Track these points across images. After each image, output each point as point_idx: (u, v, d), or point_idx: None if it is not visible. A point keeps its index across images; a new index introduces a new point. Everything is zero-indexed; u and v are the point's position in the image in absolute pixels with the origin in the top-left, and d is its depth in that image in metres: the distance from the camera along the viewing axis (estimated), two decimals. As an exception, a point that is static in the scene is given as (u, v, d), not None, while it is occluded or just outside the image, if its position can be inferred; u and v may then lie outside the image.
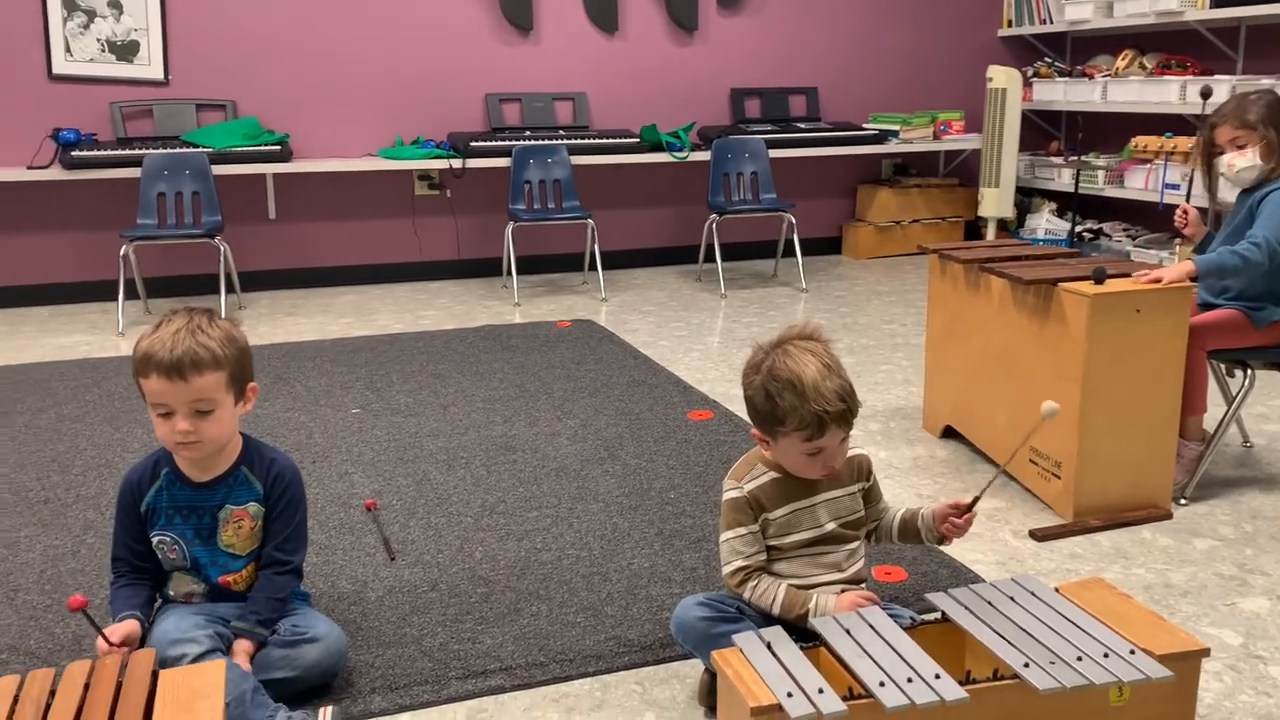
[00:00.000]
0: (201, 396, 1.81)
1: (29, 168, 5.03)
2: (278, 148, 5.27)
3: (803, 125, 6.19)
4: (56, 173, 4.97)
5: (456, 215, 5.97)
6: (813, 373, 1.74)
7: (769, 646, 1.53)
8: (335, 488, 2.86)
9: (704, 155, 5.77)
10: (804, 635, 1.62)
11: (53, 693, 1.45)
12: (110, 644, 1.75)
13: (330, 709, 1.75)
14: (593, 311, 5.12)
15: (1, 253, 5.27)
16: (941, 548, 2.38)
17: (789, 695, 1.41)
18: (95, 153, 4.99)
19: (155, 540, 1.92)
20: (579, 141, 5.71)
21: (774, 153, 5.83)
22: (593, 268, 5.52)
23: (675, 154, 5.76)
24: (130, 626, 1.80)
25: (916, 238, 6.43)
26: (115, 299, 4.86)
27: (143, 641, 1.81)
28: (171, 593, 1.95)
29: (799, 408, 1.73)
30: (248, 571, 1.95)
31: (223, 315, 1.94)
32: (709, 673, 1.81)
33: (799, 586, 1.82)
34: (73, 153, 4.94)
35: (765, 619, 1.78)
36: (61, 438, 3.31)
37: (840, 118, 6.44)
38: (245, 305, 5.27)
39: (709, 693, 1.81)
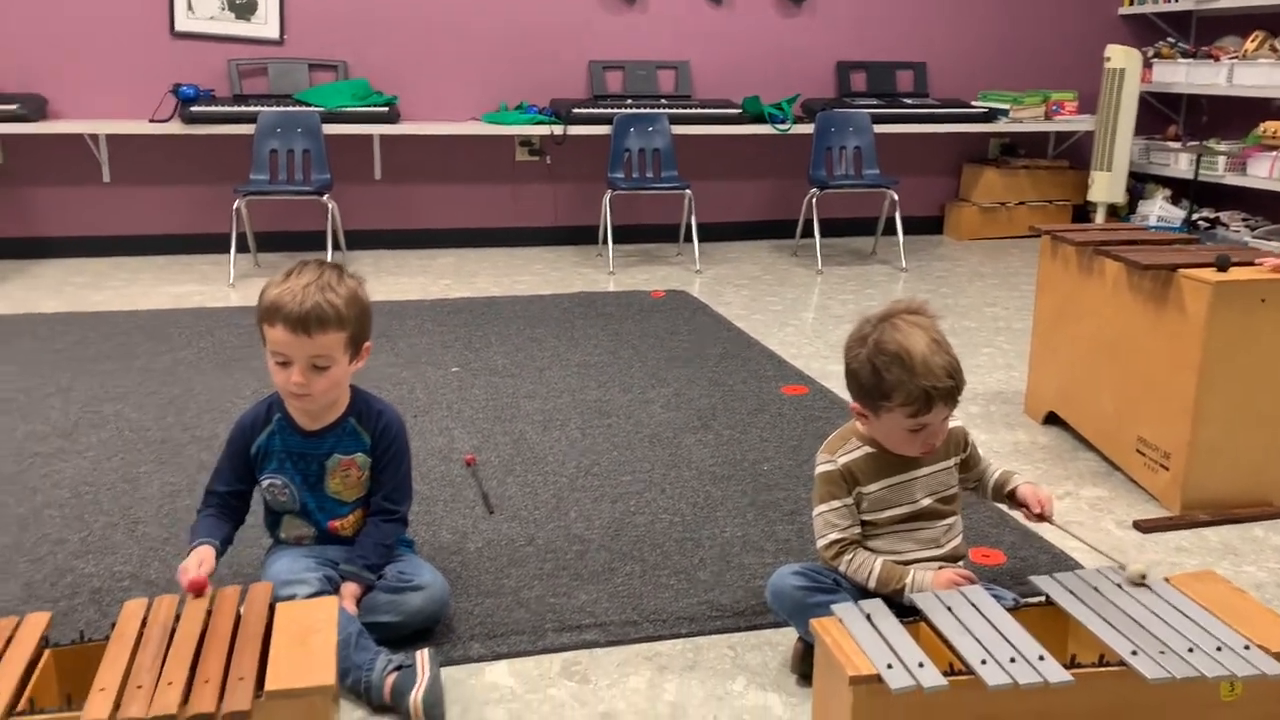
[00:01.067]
0: (321, 353, 1.86)
1: (150, 120, 5.21)
2: (386, 109, 5.36)
3: (909, 101, 6.07)
4: (176, 127, 5.14)
5: (555, 182, 6.01)
6: (922, 347, 1.72)
7: (869, 618, 1.53)
8: (436, 442, 2.93)
9: (806, 128, 5.70)
10: (901, 610, 1.61)
11: (177, 617, 1.52)
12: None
13: (427, 652, 1.80)
14: (686, 283, 5.12)
15: (123, 203, 5.49)
16: (1035, 528, 2.34)
17: (889, 667, 1.41)
18: (212, 108, 5.15)
19: (266, 483, 1.99)
20: (680, 111, 5.68)
21: (879, 128, 5.72)
22: (688, 239, 5.51)
23: (777, 126, 5.70)
24: (205, 551, 1.82)
25: (1022, 220, 6.26)
26: (227, 251, 5.02)
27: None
28: (283, 535, 2.02)
29: (906, 383, 1.71)
30: (355, 517, 2.01)
31: None
32: (803, 641, 1.82)
33: (895, 563, 1.81)
34: (191, 108, 5.11)
35: (862, 592, 1.78)
36: (177, 381, 3.45)
37: (948, 94, 6.28)
38: (350, 263, 5.36)
39: (802, 660, 1.82)
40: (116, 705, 1.33)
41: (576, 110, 5.57)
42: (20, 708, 1.35)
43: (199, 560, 1.79)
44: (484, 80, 5.77)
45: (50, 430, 2.98)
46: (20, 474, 2.67)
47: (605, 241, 5.45)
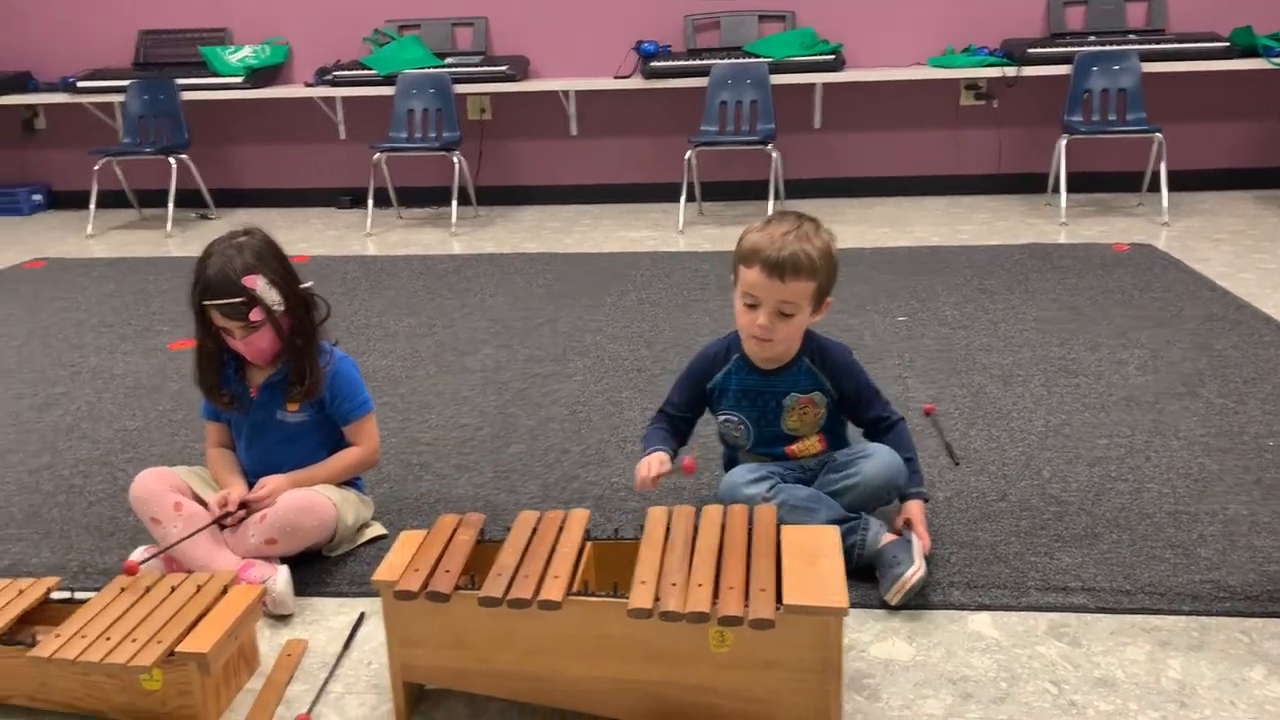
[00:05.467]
0: (790, 300, 1.92)
1: (615, 77, 5.64)
2: (831, 57, 5.38)
3: None
4: (637, 82, 5.52)
5: (1001, 126, 5.71)
6: None
7: None
8: (891, 389, 2.90)
9: (1312, 61, 4.93)
10: None
11: (695, 528, 1.66)
12: None
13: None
14: (1151, 235, 4.66)
15: (587, 154, 6.02)
16: None
17: None
18: (670, 63, 5.46)
19: (722, 418, 2.10)
20: (1153, 46, 5.15)
21: None
22: (1153, 188, 5.01)
23: (1274, 60, 4.98)
24: (660, 455, 1.99)
25: None
26: (676, 200, 5.34)
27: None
28: (740, 461, 2.13)
29: None
30: (815, 439, 2.07)
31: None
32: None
33: None
34: (651, 63, 5.45)
35: None
36: (644, 318, 3.73)
37: None
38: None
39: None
40: (656, 598, 1.48)
41: (1031, 50, 5.23)
42: (575, 588, 1.54)
43: (659, 461, 1.97)
44: (931, 23, 5.59)
45: (544, 355, 3.36)
46: (525, 391, 3.04)
47: (1056, 190, 5.10)
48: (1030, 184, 5.63)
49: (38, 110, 6.34)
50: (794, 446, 2.07)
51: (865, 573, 1.91)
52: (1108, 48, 5.17)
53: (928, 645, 1.76)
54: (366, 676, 1.74)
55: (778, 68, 5.34)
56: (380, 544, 2.14)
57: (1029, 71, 5.23)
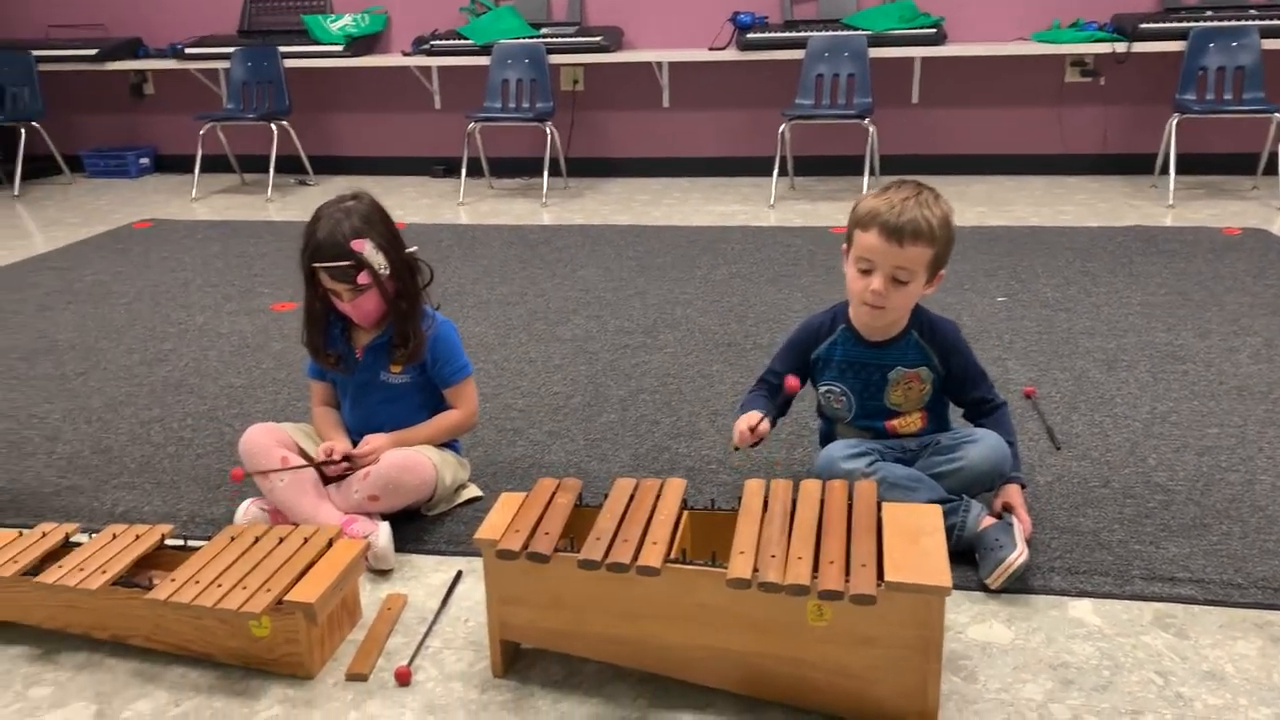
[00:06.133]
0: (906, 265, 1.89)
1: (710, 49, 5.59)
2: (932, 30, 5.26)
3: None
4: (732, 54, 5.47)
5: (1107, 104, 5.52)
6: None
7: None
8: (990, 371, 2.78)
9: None
10: None
11: (793, 502, 1.65)
12: None
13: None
14: (1266, 220, 4.48)
15: (678, 126, 5.99)
16: None
17: None
18: (766, 35, 5.39)
19: (824, 389, 2.08)
20: (1274, 22, 4.92)
21: None
22: (1269, 170, 4.80)
23: None
24: (755, 415, 1.98)
25: None
26: (767, 174, 5.28)
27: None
28: (838, 436, 2.11)
29: None
30: (917, 416, 2.04)
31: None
32: None
33: None
34: (747, 35, 5.39)
35: None
36: (734, 292, 3.71)
37: None
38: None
39: None
40: (754, 569, 1.48)
41: (1144, 25, 5.04)
42: (673, 556, 1.55)
43: (757, 419, 1.95)
44: (1038, -4, 5.42)
45: (634, 327, 3.37)
46: (616, 361, 3.06)
47: (1164, 171, 4.92)
48: (1135, 164, 5.45)
49: (147, 76, 6.54)
50: (894, 421, 2.04)
51: (962, 555, 1.88)
52: (1226, 23, 4.95)
53: (1027, 629, 1.73)
54: (464, 633, 1.77)
55: (877, 41, 5.24)
56: (476, 505, 2.18)
57: (1140, 48, 5.05)
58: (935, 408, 2.06)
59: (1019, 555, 1.79)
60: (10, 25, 6.53)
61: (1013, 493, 1.98)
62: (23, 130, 5.96)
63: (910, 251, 1.88)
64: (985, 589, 1.83)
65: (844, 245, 2.00)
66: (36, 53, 6.07)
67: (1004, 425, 2.01)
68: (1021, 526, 1.88)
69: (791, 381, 1.90)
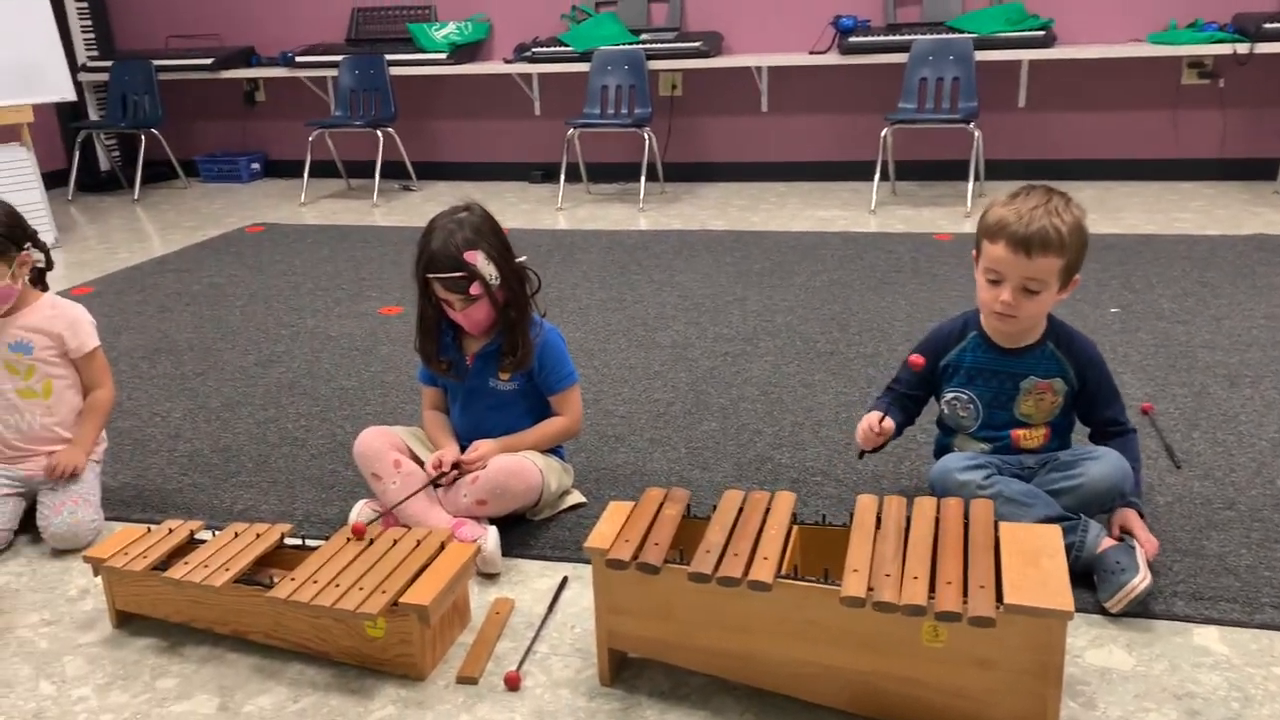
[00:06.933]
0: (1036, 276, 1.85)
1: (810, 53, 5.54)
2: (1041, 33, 5.12)
3: None
4: (833, 58, 5.41)
5: (1226, 108, 5.31)
6: None
7: None
8: (1103, 384, 2.78)
9: None
10: None
11: (908, 519, 1.63)
12: None
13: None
14: (1401, 229, 4.25)
15: (776, 131, 5.95)
16: None
17: None
18: (868, 38, 5.32)
19: (950, 396, 2.04)
20: None
21: None
22: (1405, 176, 4.55)
23: None
24: (874, 418, 1.98)
25: None
26: (868, 179, 5.21)
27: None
28: (955, 449, 2.07)
29: None
30: (1040, 430, 1.99)
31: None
32: None
33: None
34: (849, 39, 5.33)
35: None
36: (835, 299, 3.67)
37: None
38: (984, 194, 5.30)
39: None
40: (869, 588, 1.46)
41: (1269, 25, 4.83)
42: (784, 572, 1.54)
43: (878, 417, 1.97)
44: (1154, -4, 5.24)
45: (734, 334, 3.36)
46: (716, 369, 3.05)
47: (1289, 177, 4.71)
48: (1255, 170, 5.22)
49: (259, 83, 6.77)
50: (1020, 431, 2.00)
51: (1079, 576, 1.83)
52: (1358, 21, 4.72)
53: (1149, 656, 1.67)
54: (570, 639, 1.79)
55: (983, 44, 5.13)
56: (580, 511, 2.20)
57: (1264, 48, 4.84)
58: (1060, 425, 2.01)
59: (1142, 579, 1.73)
60: (133, 37, 6.83)
61: (1130, 517, 1.92)
62: (142, 136, 6.23)
63: (1039, 263, 1.84)
64: (1103, 611, 1.77)
65: (973, 251, 1.97)
66: (156, 62, 6.33)
67: (1130, 450, 1.95)
68: (1144, 550, 1.82)
69: (915, 359, 1.91)
